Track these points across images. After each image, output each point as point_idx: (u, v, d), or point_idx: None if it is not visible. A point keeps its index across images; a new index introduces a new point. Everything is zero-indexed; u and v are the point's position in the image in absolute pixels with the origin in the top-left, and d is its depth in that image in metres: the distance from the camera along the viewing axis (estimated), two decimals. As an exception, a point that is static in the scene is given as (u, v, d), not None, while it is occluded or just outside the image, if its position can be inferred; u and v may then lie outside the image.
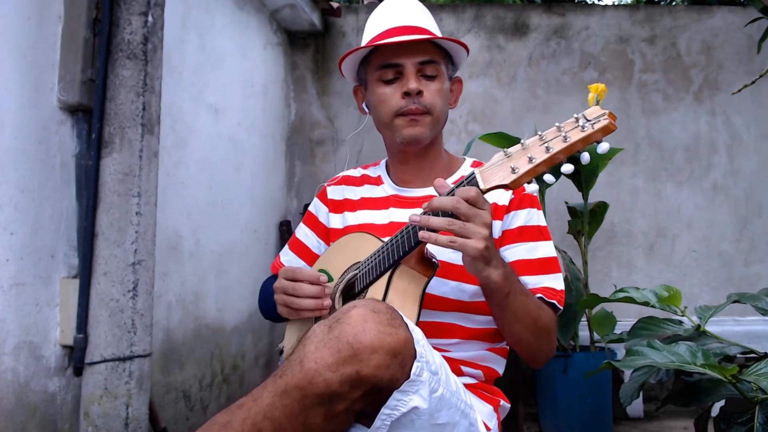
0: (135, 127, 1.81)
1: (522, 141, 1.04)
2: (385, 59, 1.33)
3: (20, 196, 1.65)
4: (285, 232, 3.29)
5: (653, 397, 3.15)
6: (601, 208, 2.82)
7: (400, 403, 0.99)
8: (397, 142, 1.36)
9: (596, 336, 2.69)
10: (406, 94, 1.31)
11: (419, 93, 1.31)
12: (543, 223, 1.34)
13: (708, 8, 3.51)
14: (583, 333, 2.78)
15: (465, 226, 1.05)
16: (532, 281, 1.27)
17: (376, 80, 1.35)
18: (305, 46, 3.55)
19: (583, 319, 2.71)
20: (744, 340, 1.76)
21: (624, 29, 3.49)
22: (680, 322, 1.82)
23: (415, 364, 1.00)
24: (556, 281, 1.29)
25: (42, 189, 1.71)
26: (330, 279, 1.23)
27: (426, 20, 1.38)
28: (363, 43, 1.39)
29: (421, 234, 1.08)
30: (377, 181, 1.46)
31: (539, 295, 1.25)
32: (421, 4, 1.42)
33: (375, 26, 1.39)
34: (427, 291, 1.24)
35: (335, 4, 3.49)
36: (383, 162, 1.50)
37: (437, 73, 1.34)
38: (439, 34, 1.38)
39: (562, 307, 1.28)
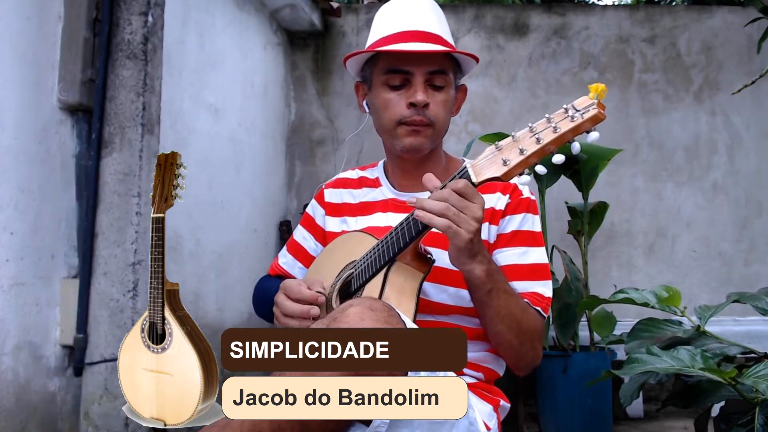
0: (135, 127, 1.81)
1: (513, 134, 1.04)
2: (393, 64, 1.29)
3: (20, 196, 1.65)
4: (285, 232, 3.28)
5: (653, 397, 3.15)
6: (601, 208, 2.82)
7: None
8: (396, 149, 1.34)
9: (596, 336, 2.69)
10: (412, 105, 1.28)
11: (426, 105, 1.28)
12: (537, 228, 1.33)
13: (708, 8, 3.51)
14: (583, 333, 2.78)
15: (458, 214, 1.05)
16: (520, 286, 1.26)
17: (382, 84, 1.31)
18: (305, 46, 3.55)
19: (583, 319, 2.71)
20: (744, 340, 1.77)
21: (624, 29, 3.49)
22: (680, 323, 1.82)
23: None
24: (544, 288, 1.28)
25: (42, 189, 1.71)
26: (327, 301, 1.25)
27: (440, 26, 1.33)
28: (370, 39, 1.35)
29: (417, 212, 1.08)
30: (375, 183, 1.45)
31: (525, 300, 1.25)
32: (435, 5, 1.37)
33: (386, 24, 1.33)
34: (427, 298, 1.23)
35: (335, 4, 3.49)
36: (381, 163, 1.48)
37: (445, 83, 1.31)
38: (451, 40, 1.34)
39: (546, 315, 1.28)
